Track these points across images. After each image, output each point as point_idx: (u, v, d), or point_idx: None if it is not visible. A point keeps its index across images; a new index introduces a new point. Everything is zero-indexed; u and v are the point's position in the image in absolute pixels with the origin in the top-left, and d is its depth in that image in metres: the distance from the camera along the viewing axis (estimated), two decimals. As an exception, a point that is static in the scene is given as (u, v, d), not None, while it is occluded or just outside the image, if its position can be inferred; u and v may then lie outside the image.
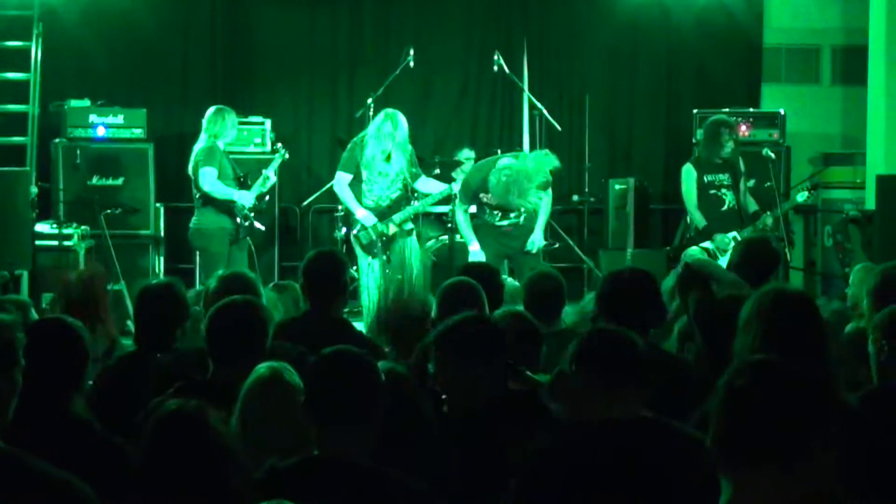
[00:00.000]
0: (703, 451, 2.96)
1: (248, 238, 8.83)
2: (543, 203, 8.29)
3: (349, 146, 8.50)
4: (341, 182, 8.38)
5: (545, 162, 8.26)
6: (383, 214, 8.30)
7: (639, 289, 4.33)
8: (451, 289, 4.66)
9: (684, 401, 3.71)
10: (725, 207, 8.60)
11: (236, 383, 3.52)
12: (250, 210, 8.69)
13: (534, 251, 8.26)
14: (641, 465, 2.97)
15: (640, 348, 3.26)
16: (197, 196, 8.70)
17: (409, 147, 8.42)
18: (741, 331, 3.53)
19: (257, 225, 8.74)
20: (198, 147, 8.67)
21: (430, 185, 8.54)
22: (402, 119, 8.29)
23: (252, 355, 3.85)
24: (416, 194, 8.47)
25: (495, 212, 8.22)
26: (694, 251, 8.27)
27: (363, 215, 8.28)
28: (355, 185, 8.33)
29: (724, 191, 8.62)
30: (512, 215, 8.22)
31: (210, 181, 8.54)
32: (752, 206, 8.69)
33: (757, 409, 2.13)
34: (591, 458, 3.03)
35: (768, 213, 8.58)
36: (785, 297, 3.56)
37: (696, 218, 8.57)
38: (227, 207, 8.62)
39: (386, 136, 8.25)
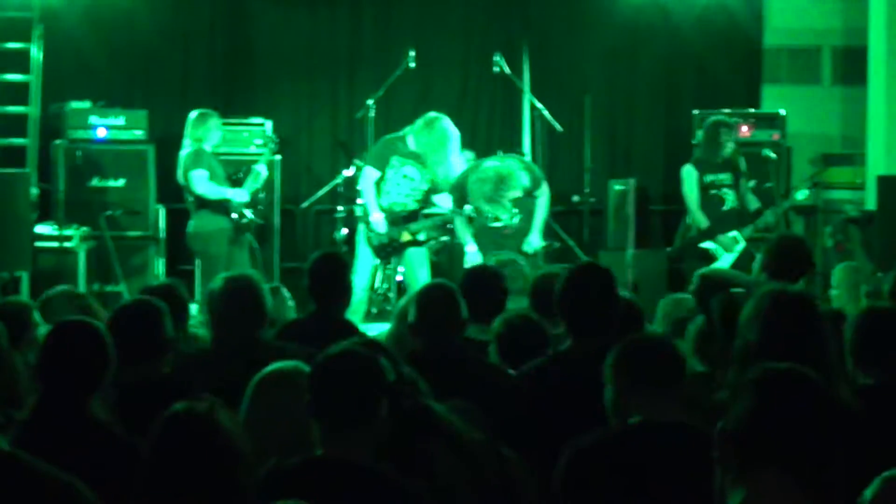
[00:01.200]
0: None
1: (248, 235, 8.84)
2: (539, 203, 8.32)
3: (382, 142, 8.46)
4: (368, 178, 8.34)
5: (522, 167, 8.30)
6: (397, 219, 8.30)
7: (600, 289, 4.20)
8: (427, 294, 4.64)
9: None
10: (726, 207, 8.62)
11: (141, 383, 3.59)
12: (246, 206, 8.70)
13: (531, 252, 8.28)
14: (677, 467, 3.03)
15: (678, 353, 3.42)
16: (191, 200, 8.71)
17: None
18: (741, 330, 3.54)
19: (254, 216, 8.76)
20: (184, 153, 8.68)
21: (444, 201, 8.55)
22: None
23: (154, 353, 4.02)
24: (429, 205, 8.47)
25: (487, 214, 8.24)
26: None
27: (377, 220, 8.26)
28: (378, 183, 8.31)
29: (724, 190, 8.65)
30: (504, 217, 8.25)
31: (202, 183, 8.56)
32: (754, 204, 8.70)
33: (790, 421, 2.17)
34: (630, 460, 3.14)
35: (769, 210, 8.60)
36: (785, 297, 3.56)
37: (699, 218, 8.58)
38: (223, 207, 8.64)
39: (446, 150, 8.22)
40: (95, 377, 3.51)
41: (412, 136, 8.28)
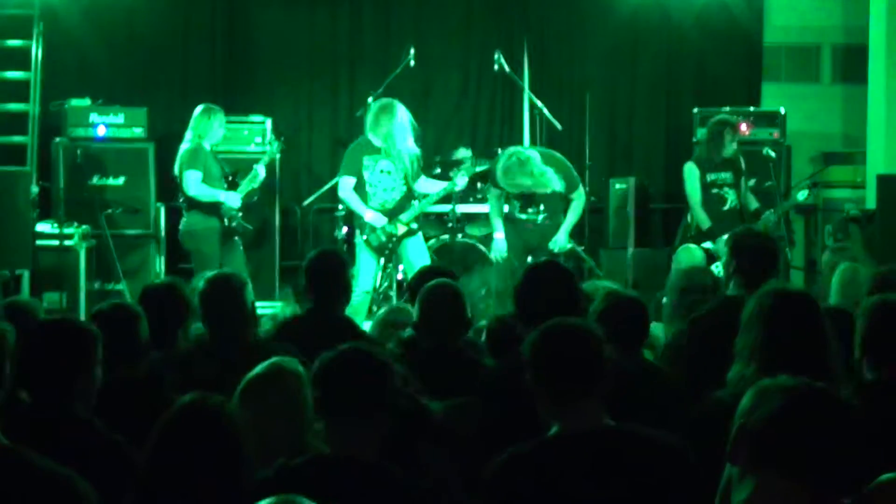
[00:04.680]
0: (674, 457, 2.98)
1: (237, 239, 8.85)
2: (573, 206, 8.34)
3: (350, 149, 8.48)
4: (346, 187, 8.36)
5: (554, 169, 8.27)
6: (389, 215, 8.31)
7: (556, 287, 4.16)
8: (431, 293, 4.64)
9: (663, 410, 3.73)
10: (727, 207, 8.60)
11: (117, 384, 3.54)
12: (238, 210, 8.71)
13: (556, 251, 8.28)
14: (608, 476, 2.94)
15: (594, 346, 3.07)
16: (181, 199, 8.73)
17: (417, 149, 8.48)
18: (743, 330, 3.54)
19: (246, 224, 8.79)
20: (183, 149, 8.67)
21: (429, 186, 8.57)
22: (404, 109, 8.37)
23: (129, 357, 3.96)
24: (416, 195, 8.50)
25: (516, 202, 8.30)
26: (691, 248, 8.27)
27: (372, 217, 8.27)
28: (359, 188, 8.33)
29: (726, 189, 8.63)
30: (530, 210, 8.28)
31: (194, 185, 8.55)
32: (753, 203, 8.70)
33: (811, 435, 2.22)
34: (546, 479, 2.97)
35: (770, 210, 8.59)
36: (787, 296, 3.56)
37: (701, 217, 8.56)
38: (215, 207, 8.64)
39: (405, 126, 8.28)
40: (79, 376, 3.49)
41: (370, 131, 8.31)
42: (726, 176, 8.65)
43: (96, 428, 3.43)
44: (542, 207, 8.31)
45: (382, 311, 5.62)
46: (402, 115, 8.29)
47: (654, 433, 3.07)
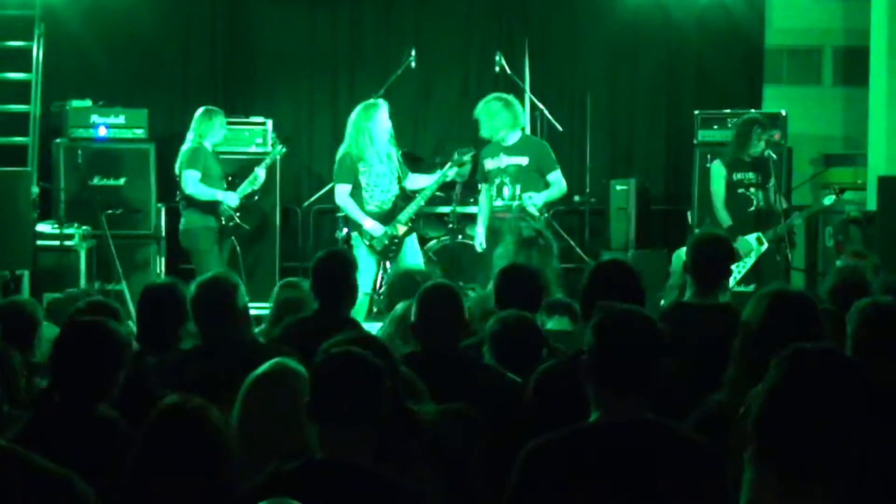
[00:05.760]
0: (705, 454, 2.99)
1: (232, 239, 8.88)
2: (553, 187, 8.28)
3: (341, 156, 8.46)
4: (342, 194, 8.36)
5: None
6: (388, 217, 8.31)
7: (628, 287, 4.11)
8: (429, 294, 4.63)
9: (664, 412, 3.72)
10: (752, 208, 8.55)
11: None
12: (235, 210, 8.73)
13: (527, 205, 8.11)
14: (640, 467, 2.97)
15: (662, 343, 3.12)
16: (179, 198, 8.76)
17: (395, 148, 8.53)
18: (741, 330, 3.54)
19: (242, 224, 8.82)
20: (183, 148, 8.74)
21: (420, 181, 8.57)
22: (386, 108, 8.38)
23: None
24: (408, 192, 8.51)
25: (491, 187, 8.30)
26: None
27: (371, 226, 8.27)
28: (355, 193, 8.32)
29: (752, 190, 8.56)
30: (506, 194, 8.22)
31: (192, 184, 8.61)
32: (782, 204, 8.64)
33: (812, 419, 2.22)
34: (580, 462, 3.00)
35: (796, 213, 8.55)
36: (785, 297, 3.56)
37: (723, 217, 8.51)
38: (212, 207, 8.69)
39: (384, 126, 8.30)
40: (107, 377, 3.50)
41: (363, 135, 8.31)
42: (752, 176, 8.55)
43: (122, 428, 3.45)
44: (517, 191, 8.25)
45: (400, 307, 5.55)
46: (383, 115, 8.30)
47: (690, 431, 3.12)
